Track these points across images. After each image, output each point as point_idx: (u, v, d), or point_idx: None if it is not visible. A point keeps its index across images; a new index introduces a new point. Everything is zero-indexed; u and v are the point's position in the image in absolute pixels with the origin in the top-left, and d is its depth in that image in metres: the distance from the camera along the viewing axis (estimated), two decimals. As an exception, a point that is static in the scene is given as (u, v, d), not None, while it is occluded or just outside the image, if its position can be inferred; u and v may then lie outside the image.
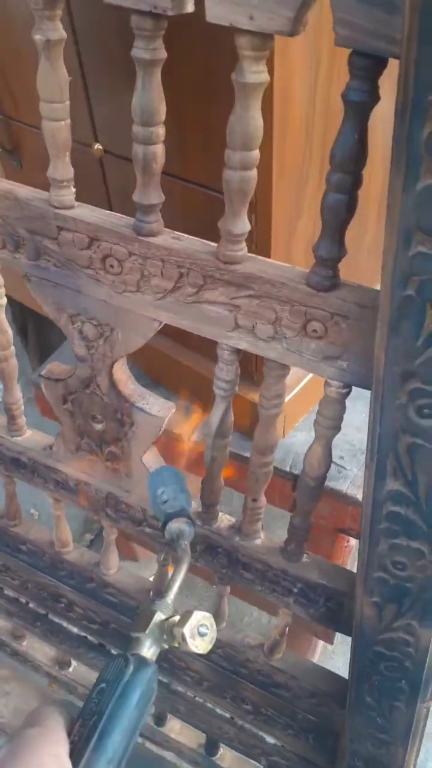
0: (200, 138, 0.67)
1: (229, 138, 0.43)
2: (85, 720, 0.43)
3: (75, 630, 0.99)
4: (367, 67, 0.36)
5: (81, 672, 1.12)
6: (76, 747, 0.42)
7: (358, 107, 0.38)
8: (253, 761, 0.97)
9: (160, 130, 0.46)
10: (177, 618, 0.47)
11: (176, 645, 0.46)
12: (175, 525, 0.57)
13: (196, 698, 0.93)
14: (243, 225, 0.46)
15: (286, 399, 0.85)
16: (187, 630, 0.45)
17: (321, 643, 1.33)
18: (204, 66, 0.61)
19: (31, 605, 1.01)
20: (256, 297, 0.48)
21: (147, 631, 0.47)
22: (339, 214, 0.42)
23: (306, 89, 0.58)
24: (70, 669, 1.12)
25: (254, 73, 0.39)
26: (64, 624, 0.99)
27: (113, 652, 0.98)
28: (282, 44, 0.53)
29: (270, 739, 0.90)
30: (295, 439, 0.92)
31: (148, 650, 0.47)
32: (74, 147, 0.80)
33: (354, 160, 0.40)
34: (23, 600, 1.02)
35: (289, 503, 0.92)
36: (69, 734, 0.43)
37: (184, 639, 0.45)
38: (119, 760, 0.42)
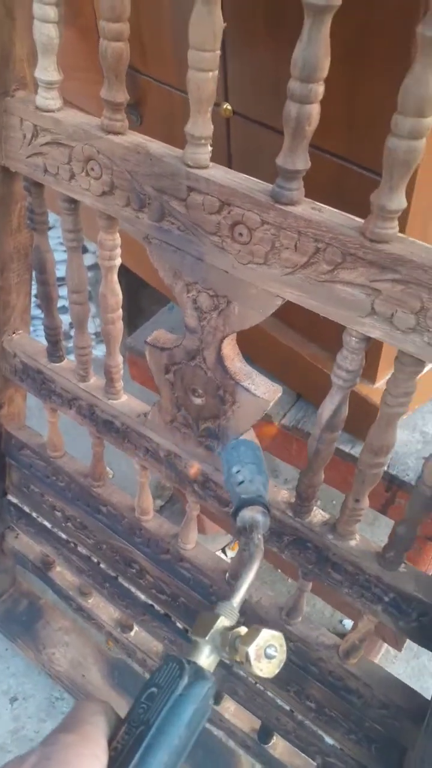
0: (344, 104, 0.61)
1: (401, 102, 0.38)
2: (131, 727, 0.39)
3: (143, 597, 0.98)
4: None
5: (141, 638, 1.13)
6: (118, 758, 0.38)
7: None
8: (306, 756, 0.94)
9: (320, 88, 0.41)
10: (243, 631, 0.42)
11: (238, 660, 0.41)
12: (248, 514, 0.53)
13: (257, 685, 0.91)
14: (400, 200, 0.41)
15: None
16: (252, 650, 0.40)
17: (385, 646, 1.29)
18: (361, 28, 0.55)
19: (102, 566, 1.02)
20: (401, 282, 0.43)
21: (207, 638, 0.43)
22: None
23: None
24: (132, 633, 1.13)
25: (446, 25, 0.34)
26: (133, 589, 0.99)
27: (178, 625, 0.97)
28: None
29: (329, 740, 0.87)
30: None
31: (207, 659, 0.42)
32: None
33: None
34: (95, 559, 1.02)
35: (381, 504, 0.87)
36: (111, 740, 0.39)
37: (248, 659, 0.40)
38: None
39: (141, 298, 1.72)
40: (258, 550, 0.50)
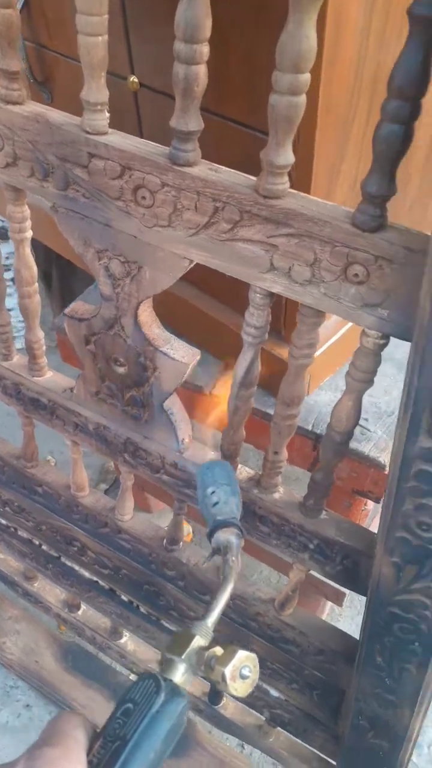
0: (243, 71, 0.63)
1: (278, 58, 0.39)
2: (106, 742, 0.40)
3: (86, 574, 0.99)
4: (438, -24, 0.33)
5: (89, 615, 1.14)
6: None
7: (427, 23, 0.35)
8: (255, 712, 0.98)
9: (204, 49, 0.42)
10: (219, 651, 0.44)
11: (213, 679, 0.43)
12: (223, 536, 0.54)
13: (203, 648, 0.93)
14: (287, 156, 0.43)
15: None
16: (228, 671, 0.42)
17: (329, 605, 1.34)
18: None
19: (44, 547, 1.02)
20: (295, 236, 0.45)
21: (183, 657, 0.44)
22: (392, 147, 0.39)
23: (362, 17, 0.54)
24: (79, 612, 1.14)
25: (312, -18, 0.36)
26: (76, 567, 1.00)
27: (123, 598, 0.99)
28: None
29: (274, 692, 0.90)
30: (319, 398, 0.90)
31: (182, 676, 0.43)
32: (108, 79, 0.77)
33: (415, 85, 0.37)
34: (36, 542, 1.02)
35: (309, 463, 0.91)
36: (87, 753, 0.39)
37: (224, 679, 0.42)
38: None
39: (73, 282, 1.71)
40: (232, 572, 0.51)
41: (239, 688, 0.43)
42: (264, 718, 0.97)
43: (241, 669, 0.43)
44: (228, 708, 1.05)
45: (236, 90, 0.65)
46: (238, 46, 0.61)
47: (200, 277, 0.89)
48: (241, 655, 0.43)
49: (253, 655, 0.43)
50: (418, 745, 1.33)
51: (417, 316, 0.41)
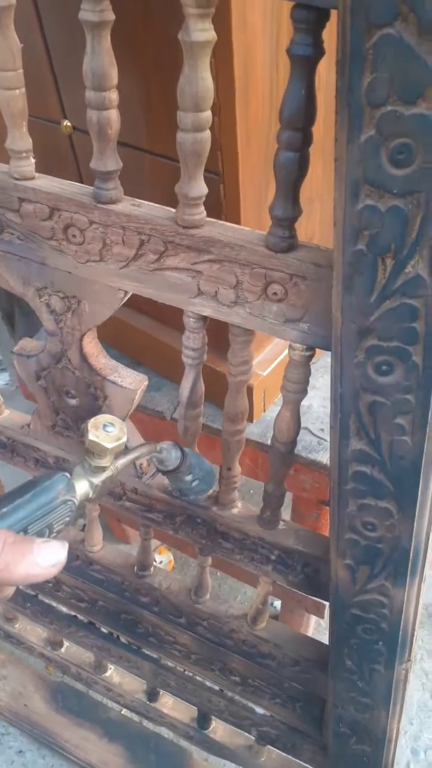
0: (166, 110, 0.66)
1: (180, 100, 0.42)
2: None
3: (64, 609, 1.00)
4: (308, 19, 0.36)
5: (73, 651, 1.13)
6: None
7: (304, 61, 0.38)
8: (245, 732, 0.98)
9: (113, 95, 0.45)
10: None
11: (89, 449, 0.46)
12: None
13: (186, 672, 0.94)
14: (199, 188, 0.46)
15: (265, 373, 0.86)
16: (90, 422, 0.46)
17: (314, 618, 1.34)
18: (165, 35, 0.60)
19: (20, 587, 1.02)
20: (216, 261, 0.48)
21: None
22: (291, 173, 0.42)
23: (268, 53, 0.58)
24: (62, 649, 1.13)
25: (200, 30, 0.39)
26: (54, 604, 1.00)
27: (103, 630, 0.99)
28: (240, 5, 0.53)
29: (259, 710, 0.91)
30: (275, 414, 0.92)
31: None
32: (43, 125, 0.80)
33: (303, 116, 0.40)
34: (13, 581, 1.02)
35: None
36: None
37: (87, 430, 0.46)
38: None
39: (36, 322, 1.72)
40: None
41: (101, 437, 0.46)
42: (253, 738, 0.97)
43: (105, 423, 0.47)
44: (217, 731, 1.05)
45: (162, 127, 0.68)
46: (160, 87, 0.65)
47: (150, 305, 0.92)
48: (107, 416, 0.48)
49: (122, 421, 0.48)
50: (415, 750, 1.34)
51: (333, 327, 0.43)
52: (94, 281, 0.55)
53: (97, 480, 0.47)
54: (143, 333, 0.96)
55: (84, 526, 1.67)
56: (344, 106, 0.35)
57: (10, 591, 0.40)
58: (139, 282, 0.53)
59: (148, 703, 1.08)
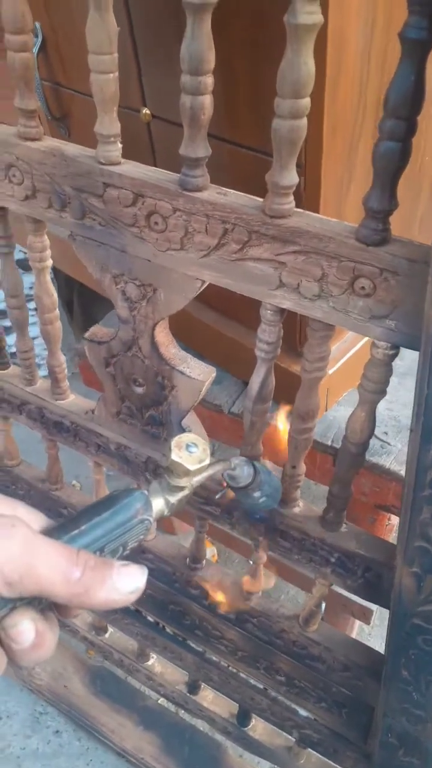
0: (251, 99, 0.65)
1: (279, 85, 0.41)
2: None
3: (112, 595, 1.00)
4: (424, 1, 0.35)
5: (116, 638, 1.14)
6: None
7: (417, 45, 0.36)
8: (285, 733, 0.97)
9: (209, 80, 0.45)
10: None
11: (171, 468, 0.45)
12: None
13: (230, 668, 0.93)
14: (291, 177, 0.45)
15: (331, 371, 0.84)
16: (174, 442, 0.45)
17: (358, 623, 1.32)
18: (256, 21, 0.59)
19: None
20: (302, 253, 0.47)
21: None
22: (391, 163, 0.41)
23: (362, 39, 0.56)
24: (106, 635, 1.14)
25: (307, 13, 0.38)
26: (102, 589, 1.00)
27: (149, 618, 0.99)
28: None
29: (303, 712, 0.89)
30: (338, 414, 0.90)
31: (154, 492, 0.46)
32: (122, 112, 0.80)
33: (409, 104, 0.38)
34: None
35: (330, 479, 0.91)
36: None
37: (170, 449, 0.45)
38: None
39: (94, 310, 1.75)
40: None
41: (185, 457, 0.45)
42: (293, 739, 0.96)
43: (188, 444, 0.46)
44: (257, 729, 1.04)
45: (245, 117, 0.67)
46: (245, 75, 0.64)
47: (218, 300, 0.91)
48: (190, 434, 0.46)
49: (204, 441, 0.46)
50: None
51: (423, 325, 0.42)
52: (172, 270, 0.55)
53: (174, 499, 0.46)
54: (208, 326, 0.95)
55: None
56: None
57: (80, 612, 0.39)
58: (218, 272, 0.52)
59: (188, 695, 1.08)
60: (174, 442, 0.46)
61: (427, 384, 0.43)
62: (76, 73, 0.86)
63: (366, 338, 0.92)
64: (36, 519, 0.39)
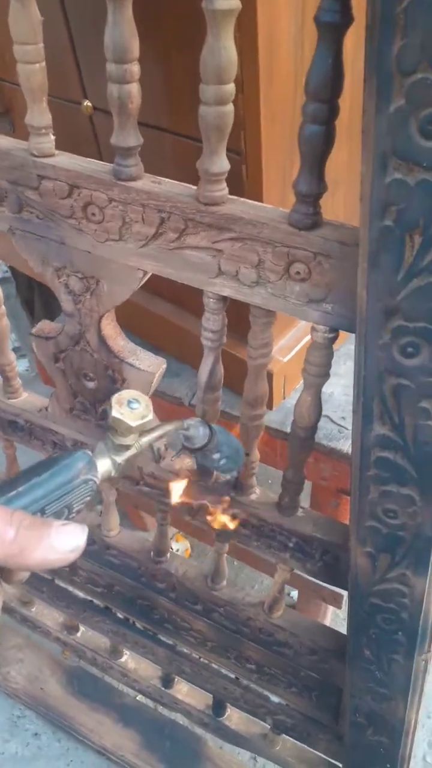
0: (189, 88, 0.65)
1: (202, 71, 0.41)
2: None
3: (81, 594, 1.00)
4: (337, -17, 0.35)
5: (89, 636, 1.14)
6: None
7: (332, 29, 0.37)
8: (260, 721, 0.98)
9: (134, 68, 0.44)
10: None
11: (113, 426, 0.44)
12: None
13: (201, 659, 0.94)
14: (221, 164, 0.45)
15: (285, 359, 0.85)
16: (114, 398, 0.44)
17: (331, 609, 1.34)
18: (190, 11, 0.59)
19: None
20: (238, 240, 0.47)
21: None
22: (316, 147, 0.41)
23: (293, 25, 0.56)
24: (78, 633, 1.14)
25: (224, -2, 0.38)
26: (70, 588, 1.00)
27: (119, 615, 0.99)
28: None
29: (275, 698, 0.90)
30: (295, 401, 0.91)
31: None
32: (64, 105, 0.79)
33: (329, 87, 0.38)
34: (30, 565, 1.03)
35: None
36: None
37: (110, 406, 0.44)
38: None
39: (55, 308, 1.73)
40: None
41: (126, 413, 0.44)
42: (268, 726, 0.97)
43: (129, 399, 0.44)
44: (232, 719, 1.05)
45: (184, 107, 0.67)
46: (182, 65, 0.64)
47: (170, 291, 0.91)
48: (133, 392, 0.45)
49: (147, 397, 0.45)
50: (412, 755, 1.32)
51: (357, 307, 0.42)
52: (112, 261, 0.55)
53: (120, 458, 0.45)
54: (161, 318, 0.95)
55: (101, 512, 1.68)
56: (373, 74, 0.33)
57: (25, 575, 0.38)
58: (159, 261, 0.52)
59: (162, 689, 1.08)
60: (114, 398, 0.44)
61: (364, 365, 0.44)
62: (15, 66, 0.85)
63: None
64: None
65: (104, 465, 0.44)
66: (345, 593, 1.17)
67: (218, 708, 1.04)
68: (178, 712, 1.11)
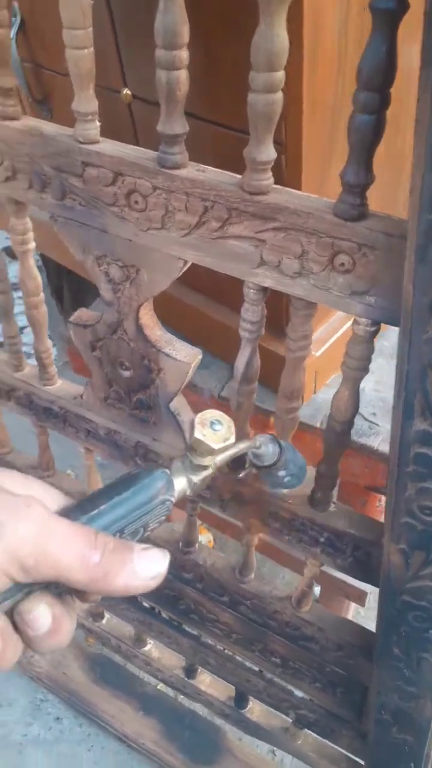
0: (231, 78, 0.64)
1: (253, 58, 0.41)
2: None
3: (107, 581, 1.00)
4: (396, -32, 0.34)
5: (113, 624, 1.15)
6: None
7: (387, 16, 0.36)
8: (281, 714, 0.98)
9: (184, 54, 0.44)
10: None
11: (194, 447, 0.42)
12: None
13: (226, 651, 0.94)
14: (268, 152, 0.45)
15: (318, 353, 0.84)
16: (198, 418, 0.42)
17: (353, 606, 1.33)
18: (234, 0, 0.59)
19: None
20: (281, 230, 0.47)
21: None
22: (366, 137, 0.40)
23: (339, 15, 0.55)
24: (103, 621, 1.15)
25: (278, -17, 0.38)
26: (97, 575, 1.01)
27: (145, 604, 0.99)
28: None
29: (298, 693, 0.90)
30: (326, 396, 0.90)
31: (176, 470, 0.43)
32: (103, 93, 0.79)
33: (382, 75, 0.38)
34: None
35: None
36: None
37: (193, 426, 0.42)
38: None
39: (84, 297, 1.74)
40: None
41: (209, 435, 0.42)
42: (290, 720, 0.97)
43: (212, 420, 0.43)
44: (254, 712, 1.05)
45: (225, 96, 0.66)
46: (226, 53, 0.63)
47: (203, 282, 0.91)
48: (215, 411, 0.43)
49: (230, 419, 0.43)
50: None
51: (402, 300, 0.42)
52: (154, 250, 0.55)
53: (197, 478, 0.43)
54: (195, 310, 0.95)
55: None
56: (429, 63, 0.33)
57: (98, 597, 0.37)
58: (200, 251, 0.52)
59: (185, 679, 1.09)
60: (198, 418, 0.43)
61: (407, 359, 0.43)
62: (56, 53, 0.85)
63: (350, 322, 0.92)
64: (52, 497, 0.37)
65: (180, 484, 0.42)
66: (369, 591, 1.17)
67: (240, 700, 1.04)
68: (200, 702, 1.11)
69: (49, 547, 0.32)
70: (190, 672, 1.08)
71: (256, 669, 0.93)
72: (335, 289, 0.47)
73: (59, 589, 0.34)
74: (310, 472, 0.64)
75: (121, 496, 0.38)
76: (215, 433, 0.42)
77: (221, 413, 0.44)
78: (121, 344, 0.65)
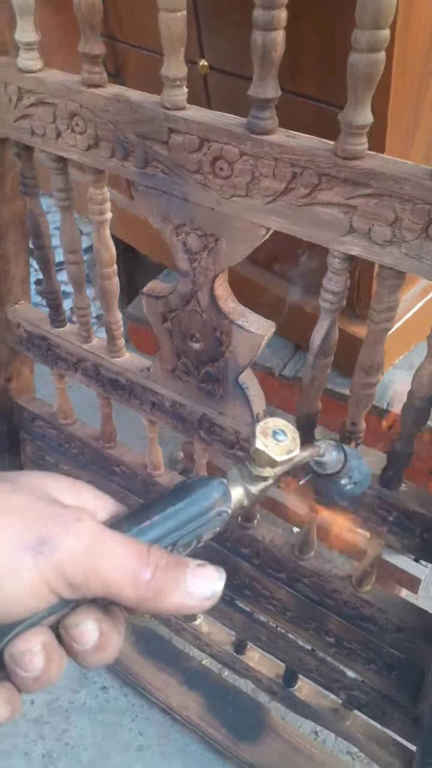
0: (316, 47, 0.63)
1: (358, 15, 0.40)
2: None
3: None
4: None
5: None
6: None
7: None
8: (331, 695, 0.97)
9: (282, 14, 0.43)
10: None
11: (254, 457, 0.39)
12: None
13: (278, 628, 0.94)
14: (366, 116, 0.44)
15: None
16: (259, 427, 0.39)
17: (405, 592, 1.32)
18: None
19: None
20: (374, 196, 0.46)
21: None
22: None
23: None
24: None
25: None
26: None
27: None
28: None
29: (350, 674, 0.90)
30: (393, 377, 0.89)
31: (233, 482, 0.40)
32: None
33: None
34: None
35: (383, 443, 0.90)
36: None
37: (254, 435, 0.39)
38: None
39: (138, 276, 1.75)
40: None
41: (270, 446, 0.39)
42: (340, 701, 0.97)
43: (275, 430, 0.40)
44: (303, 690, 1.05)
45: (309, 66, 0.65)
46: (311, 22, 0.62)
47: (266, 258, 0.90)
48: (278, 420, 0.40)
49: (293, 427, 0.40)
50: None
51: None
52: (236, 217, 0.54)
53: (255, 489, 0.40)
54: (254, 284, 0.95)
55: (189, 472, 1.70)
56: None
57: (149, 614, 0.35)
58: (285, 218, 0.51)
59: (235, 654, 1.10)
60: (259, 427, 0.40)
61: None
62: (132, 26, 0.85)
63: (422, 302, 0.90)
64: (103, 505, 0.36)
65: (237, 494, 0.40)
66: (422, 577, 1.15)
67: (289, 678, 1.04)
68: (248, 678, 1.12)
69: (98, 563, 0.31)
70: (239, 648, 1.09)
71: (309, 648, 0.93)
72: (428, 258, 0.46)
73: (107, 602, 0.33)
74: (377, 456, 0.62)
75: (175, 507, 0.36)
76: (278, 444, 0.39)
77: (285, 422, 0.41)
78: (194, 316, 0.65)
